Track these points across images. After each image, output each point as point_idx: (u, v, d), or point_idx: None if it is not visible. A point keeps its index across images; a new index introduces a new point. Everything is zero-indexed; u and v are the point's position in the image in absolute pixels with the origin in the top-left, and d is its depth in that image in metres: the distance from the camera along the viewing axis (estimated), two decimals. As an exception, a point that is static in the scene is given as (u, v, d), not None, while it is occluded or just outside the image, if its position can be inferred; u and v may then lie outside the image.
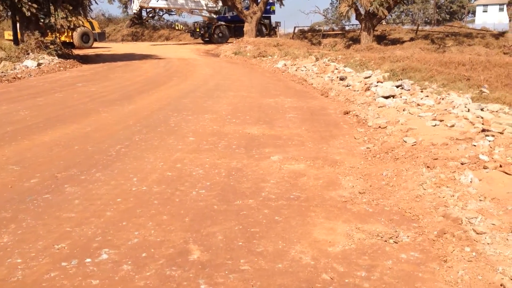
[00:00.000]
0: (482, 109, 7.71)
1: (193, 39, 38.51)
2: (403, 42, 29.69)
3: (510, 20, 24.66)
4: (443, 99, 8.74)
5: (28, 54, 17.31)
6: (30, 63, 16.17)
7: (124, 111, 8.24)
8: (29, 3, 16.43)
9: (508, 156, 4.69)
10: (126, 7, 51.53)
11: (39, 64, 16.26)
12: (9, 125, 6.94)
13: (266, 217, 3.78)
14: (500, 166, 4.43)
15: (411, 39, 30.65)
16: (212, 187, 4.45)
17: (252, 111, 8.62)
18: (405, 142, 5.93)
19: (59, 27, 18.12)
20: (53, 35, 20.00)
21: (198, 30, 36.20)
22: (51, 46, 18.06)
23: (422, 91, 9.60)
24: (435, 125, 6.58)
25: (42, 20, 18.04)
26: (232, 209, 3.92)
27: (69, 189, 4.32)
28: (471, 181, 4.25)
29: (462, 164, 4.68)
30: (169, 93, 10.67)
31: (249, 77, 14.65)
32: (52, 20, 17.71)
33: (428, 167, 4.77)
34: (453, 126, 6.45)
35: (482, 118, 6.75)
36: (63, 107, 8.55)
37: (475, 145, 5.35)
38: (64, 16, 17.65)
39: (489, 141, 5.39)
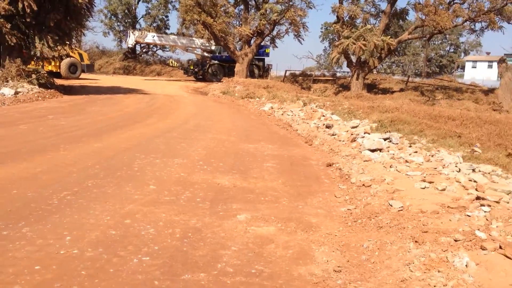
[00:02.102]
0: (473, 170, 7.14)
1: (185, 76, 38.37)
2: (393, 92, 29.65)
3: (500, 78, 24.68)
4: (432, 156, 8.18)
5: (7, 81, 16.67)
6: (7, 91, 15.50)
7: (87, 149, 7.53)
8: (13, 32, 15.91)
9: (508, 234, 4.05)
10: (120, 41, 51.49)
11: (16, 93, 15.59)
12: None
13: (216, 300, 3.05)
14: (500, 247, 3.77)
15: (401, 90, 30.64)
16: (160, 254, 3.72)
17: (227, 157, 7.96)
18: (391, 206, 5.28)
19: (43, 56, 17.57)
20: (37, 64, 19.47)
21: (191, 67, 36.07)
22: (33, 75, 17.44)
23: (411, 146, 9.05)
24: (425, 187, 5.95)
25: (24, 49, 17.52)
26: (175, 287, 3.19)
27: (-20, 249, 3.56)
28: (466, 266, 3.58)
29: (455, 241, 4.02)
30: (143, 132, 10.00)
31: (232, 119, 14.08)
32: (37, 49, 17.16)
33: (416, 241, 4.10)
34: (444, 190, 5.82)
35: (475, 182, 6.15)
36: (21, 141, 7.82)
37: (469, 216, 4.71)
38: (50, 45, 17.11)
39: (485, 211, 4.77)
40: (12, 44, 16.42)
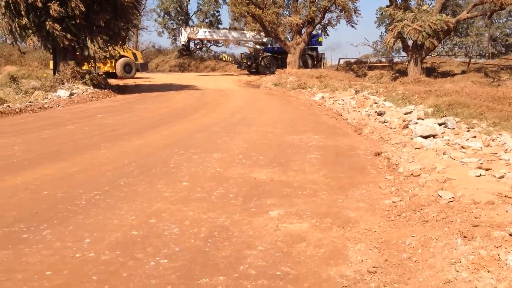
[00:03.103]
0: (540, 154, 6.45)
1: (239, 70, 38.45)
2: (454, 75, 28.09)
3: None
4: (493, 140, 7.48)
5: (63, 83, 17.26)
6: (63, 93, 16.03)
7: (126, 147, 7.51)
8: (63, 34, 16.42)
9: None
10: (175, 39, 52.43)
11: (71, 94, 16.10)
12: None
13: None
14: None
15: (463, 72, 28.98)
16: (179, 255, 3.51)
17: (269, 150, 7.67)
18: (440, 197, 4.79)
19: (96, 57, 18.05)
20: (91, 65, 20.06)
21: (244, 61, 36.12)
22: (87, 76, 17.97)
23: (468, 131, 8.34)
24: (480, 175, 5.37)
25: (78, 50, 18.08)
26: (189, 293, 2.97)
27: (-5, 253, 3.49)
28: (522, 265, 3.10)
29: (511, 235, 3.52)
30: (187, 127, 9.92)
31: (280, 110, 13.77)
32: (90, 50, 17.65)
33: (465, 237, 3.63)
34: (502, 177, 5.23)
35: (540, 167, 5.50)
36: (65, 141, 7.93)
37: (530, 206, 4.17)
38: (100, 46, 17.55)
39: (550, 201, 4.20)
40: (65, 46, 16.96)
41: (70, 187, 5.16)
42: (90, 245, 3.64)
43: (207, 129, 9.66)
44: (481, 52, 63.14)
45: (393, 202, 4.98)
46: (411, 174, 5.89)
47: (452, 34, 33.30)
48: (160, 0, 51.13)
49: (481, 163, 5.90)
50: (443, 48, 60.15)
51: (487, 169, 5.55)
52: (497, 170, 5.46)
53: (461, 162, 6.13)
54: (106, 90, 18.34)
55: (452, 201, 4.63)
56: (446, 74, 28.70)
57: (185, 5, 51.76)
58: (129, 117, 11.39)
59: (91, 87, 17.67)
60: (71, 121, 10.47)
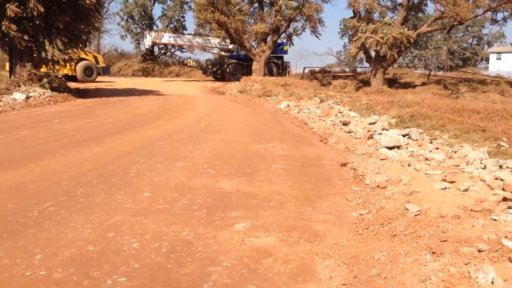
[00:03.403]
0: (500, 166, 6.56)
1: (204, 76, 38.15)
2: (415, 86, 28.77)
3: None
4: (455, 152, 7.58)
5: (19, 86, 16.57)
6: (18, 95, 15.39)
7: (85, 154, 7.18)
8: (20, 35, 15.78)
9: (543, 244, 3.49)
10: (138, 43, 51.61)
11: (28, 97, 15.46)
12: None
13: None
14: (533, 260, 3.23)
15: (423, 84, 29.73)
16: (139, 273, 3.29)
17: (234, 159, 7.51)
18: (407, 210, 4.75)
19: (54, 59, 17.42)
20: (49, 68, 19.36)
21: (210, 67, 35.88)
22: (45, 79, 17.32)
23: (431, 142, 8.45)
24: (445, 187, 5.39)
25: (36, 52, 17.43)
26: (149, 315, 2.76)
27: None
28: (492, 282, 3.05)
29: (479, 251, 3.48)
30: (149, 134, 9.63)
31: (246, 118, 13.64)
32: (48, 52, 17.02)
33: (434, 253, 3.57)
34: (467, 190, 5.25)
35: (502, 180, 5.56)
36: (18, 148, 7.51)
37: (495, 220, 4.17)
38: (59, 48, 16.95)
39: (514, 215, 4.22)
40: (22, 48, 16.31)
41: (22, 198, 4.82)
42: (41, 261, 3.37)
43: (170, 136, 9.41)
44: (440, 64, 65.21)
45: (360, 214, 4.91)
46: (378, 186, 5.85)
47: (413, 46, 34.13)
48: (124, 4, 50.31)
49: (445, 176, 5.93)
50: (404, 60, 61.80)
51: (451, 182, 5.58)
52: (461, 183, 5.49)
53: (426, 174, 6.15)
54: (65, 93, 17.72)
55: (419, 214, 4.59)
56: (407, 85, 29.34)
57: (149, 9, 51.09)
58: (88, 123, 10.99)
59: (49, 91, 17.03)
60: (26, 125, 9.99)
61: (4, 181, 5.43)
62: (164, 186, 5.60)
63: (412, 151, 7.71)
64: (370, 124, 10.57)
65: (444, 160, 6.98)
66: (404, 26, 26.16)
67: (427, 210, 4.64)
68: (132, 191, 5.32)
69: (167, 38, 37.60)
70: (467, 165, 6.69)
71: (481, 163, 6.84)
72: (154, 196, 5.18)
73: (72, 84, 23.52)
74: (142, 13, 50.55)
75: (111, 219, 4.34)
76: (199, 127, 11.00)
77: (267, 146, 8.84)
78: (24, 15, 15.81)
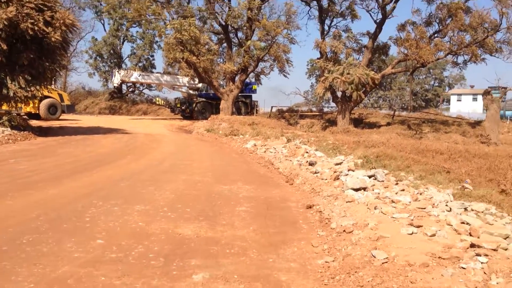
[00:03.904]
0: (465, 209, 6.53)
1: (172, 115, 37.94)
2: (380, 126, 29.32)
3: (486, 110, 24.48)
4: (420, 194, 7.55)
5: (-23, 124, 15.95)
6: (-25, 133, 14.77)
7: (38, 197, 6.77)
8: (-20, 70, 15.35)
9: (513, 295, 3.36)
10: (106, 81, 51.22)
11: (-15, 136, 14.85)
12: None
13: None
14: (505, 314, 3.08)
15: (388, 124, 30.36)
16: (82, 335, 2.97)
17: (196, 201, 7.24)
18: (374, 257, 4.58)
19: (16, 97, 16.92)
20: (10, 105, 18.78)
21: (178, 105, 35.79)
22: (4, 117, 16.74)
23: (397, 183, 8.41)
24: (412, 233, 5.26)
25: (-4, 89, 16.94)
26: None
27: None
28: None
29: (449, 305, 3.32)
30: (111, 174, 9.27)
31: (212, 158, 13.41)
32: (10, 90, 16.52)
33: (402, 306, 3.39)
34: (434, 235, 5.14)
35: (468, 225, 5.48)
36: (-37, 190, 7.05)
37: (464, 268, 4.04)
38: (22, 86, 16.49)
39: (482, 263, 4.10)
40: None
41: (-40, 248, 4.42)
42: (-30, 324, 3.01)
43: (132, 177, 9.07)
44: (403, 105, 67.08)
45: (326, 262, 4.71)
46: (344, 230, 5.68)
47: (378, 87, 35.00)
48: (93, 42, 50.09)
49: (412, 219, 5.83)
50: (369, 100, 63.30)
51: (418, 226, 5.46)
52: (428, 227, 5.38)
53: (393, 217, 6.03)
54: (25, 132, 17.12)
55: (387, 262, 4.43)
56: (372, 125, 29.87)
57: (118, 48, 51.01)
58: (47, 162, 10.53)
59: (9, 129, 16.42)
60: (-21, 165, 9.48)
61: None
62: (120, 232, 5.27)
63: (378, 193, 7.63)
64: (336, 164, 10.52)
65: (410, 202, 6.91)
66: (370, 68, 26.88)
67: (395, 257, 4.48)
68: (84, 238, 4.96)
69: (135, 76, 37.49)
70: (433, 207, 6.64)
71: (446, 205, 6.80)
72: (107, 243, 4.84)
73: (35, 122, 22.92)
74: (111, 51, 50.40)
75: (57, 271, 3.99)
76: (163, 167, 10.70)
77: (232, 187, 8.61)
78: (-15, 51, 15.41)
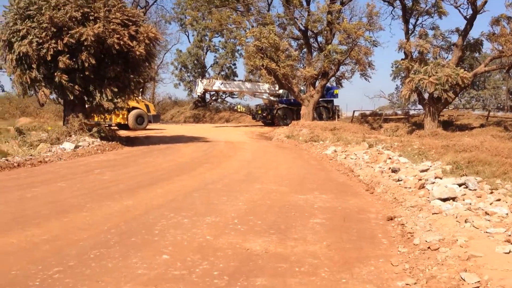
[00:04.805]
0: None
1: (254, 121, 38.31)
2: (472, 128, 27.28)
3: None
4: (520, 204, 6.68)
5: (70, 136, 16.95)
6: (67, 145, 15.65)
7: (113, 209, 6.85)
8: (72, 85, 16.31)
9: None
10: (191, 91, 52.97)
11: (77, 147, 15.72)
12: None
13: None
14: None
15: (482, 125, 28.17)
16: None
17: (269, 212, 6.95)
18: (463, 280, 4.00)
19: (104, 108, 17.86)
20: (100, 117, 19.87)
21: (259, 112, 36.09)
22: (94, 128, 17.68)
23: (492, 192, 7.55)
24: (509, 251, 4.58)
25: (87, 102, 17.98)
26: None
27: None
28: None
29: None
30: (186, 184, 9.28)
31: (289, 165, 13.10)
32: (98, 102, 17.49)
33: None
34: (536, 255, 4.43)
35: None
36: (48, 201, 7.28)
37: None
38: (109, 98, 17.35)
39: None
40: (73, 98, 16.82)
41: (30, 262, 4.46)
42: None
43: (206, 187, 9.01)
44: (499, 105, 62.40)
45: (407, 284, 4.19)
46: (429, 247, 5.09)
47: (469, 87, 32.74)
48: (178, 54, 52.09)
49: (510, 235, 5.10)
50: (460, 101, 59.62)
51: (517, 244, 4.76)
52: (530, 245, 4.66)
53: (486, 232, 5.34)
54: (113, 142, 17.95)
55: (478, 286, 3.84)
56: (464, 128, 27.89)
57: (202, 58, 52.59)
58: (128, 172, 10.83)
59: (98, 139, 17.31)
60: (65, 177, 9.91)
61: (18, 242, 5.11)
62: (187, 247, 5.11)
63: (470, 204, 6.87)
64: (422, 171, 9.75)
65: (507, 214, 6.12)
66: (459, 67, 25.13)
67: (488, 281, 3.88)
68: (151, 253, 4.86)
69: (218, 85, 38.37)
70: (534, 220, 5.83)
71: (551, 218, 5.95)
72: (173, 259, 4.69)
73: (123, 132, 24.07)
74: (195, 62, 52.06)
75: (116, 291, 3.87)
76: (238, 176, 10.57)
77: (307, 197, 8.23)
78: (76, 66, 16.37)
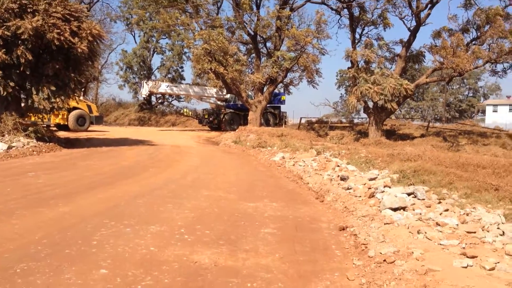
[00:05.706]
0: (522, 233, 5.70)
1: (200, 126, 37.72)
2: (414, 138, 28.14)
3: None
4: (467, 215, 6.74)
5: (3, 136, 15.79)
6: (0, 145, 14.57)
7: (46, 216, 6.25)
8: (6, 82, 15.20)
9: None
10: (136, 92, 51.61)
11: (10, 147, 14.64)
12: None
13: None
14: None
15: (422, 135, 29.15)
16: None
17: (218, 221, 6.59)
18: (423, 297, 3.83)
19: (41, 108, 16.75)
20: (37, 117, 18.68)
21: (206, 117, 35.53)
22: (30, 128, 16.57)
23: (440, 202, 7.60)
24: (467, 265, 4.47)
25: (23, 100, 16.83)
26: None
27: None
28: None
29: None
30: (129, 190, 8.73)
31: (237, 171, 12.78)
32: (35, 100, 16.37)
33: None
34: (493, 269, 4.35)
35: (533, 256, 4.66)
36: (-28, 207, 6.59)
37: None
38: (46, 97, 16.30)
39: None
40: (7, 95, 15.68)
41: None
42: None
43: (151, 193, 8.51)
44: (436, 116, 65.28)
45: (364, 301, 3.97)
46: (384, 260, 4.92)
47: (411, 98, 33.82)
48: (123, 54, 50.60)
49: (464, 248, 5.04)
50: (400, 111, 61.81)
51: (473, 257, 4.68)
52: (485, 258, 4.60)
53: (440, 244, 5.25)
54: (51, 143, 16.90)
55: (440, 304, 3.67)
56: (405, 137, 28.71)
57: (148, 60, 51.35)
58: (65, 176, 10.10)
59: (34, 140, 16.23)
60: (-5, 179, 9.10)
61: None
62: (128, 259, 4.66)
63: (420, 214, 6.85)
64: (371, 179, 9.73)
65: (457, 225, 6.11)
66: (403, 78, 25.85)
67: (449, 299, 3.72)
68: (87, 266, 4.37)
69: (164, 87, 37.52)
70: (483, 230, 5.85)
71: (498, 228, 5.99)
72: (112, 273, 4.23)
73: (62, 134, 22.86)
74: (141, 63, 50.77)
75: (47, 311, 3.39)
76: (185, 182, 10.12)
77: (257, 205, 7.94)
78: (12, 62, 15.28)
